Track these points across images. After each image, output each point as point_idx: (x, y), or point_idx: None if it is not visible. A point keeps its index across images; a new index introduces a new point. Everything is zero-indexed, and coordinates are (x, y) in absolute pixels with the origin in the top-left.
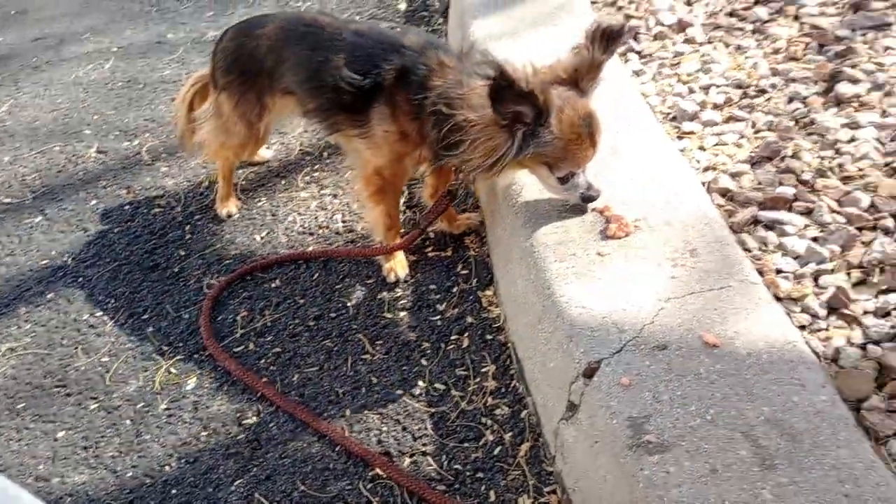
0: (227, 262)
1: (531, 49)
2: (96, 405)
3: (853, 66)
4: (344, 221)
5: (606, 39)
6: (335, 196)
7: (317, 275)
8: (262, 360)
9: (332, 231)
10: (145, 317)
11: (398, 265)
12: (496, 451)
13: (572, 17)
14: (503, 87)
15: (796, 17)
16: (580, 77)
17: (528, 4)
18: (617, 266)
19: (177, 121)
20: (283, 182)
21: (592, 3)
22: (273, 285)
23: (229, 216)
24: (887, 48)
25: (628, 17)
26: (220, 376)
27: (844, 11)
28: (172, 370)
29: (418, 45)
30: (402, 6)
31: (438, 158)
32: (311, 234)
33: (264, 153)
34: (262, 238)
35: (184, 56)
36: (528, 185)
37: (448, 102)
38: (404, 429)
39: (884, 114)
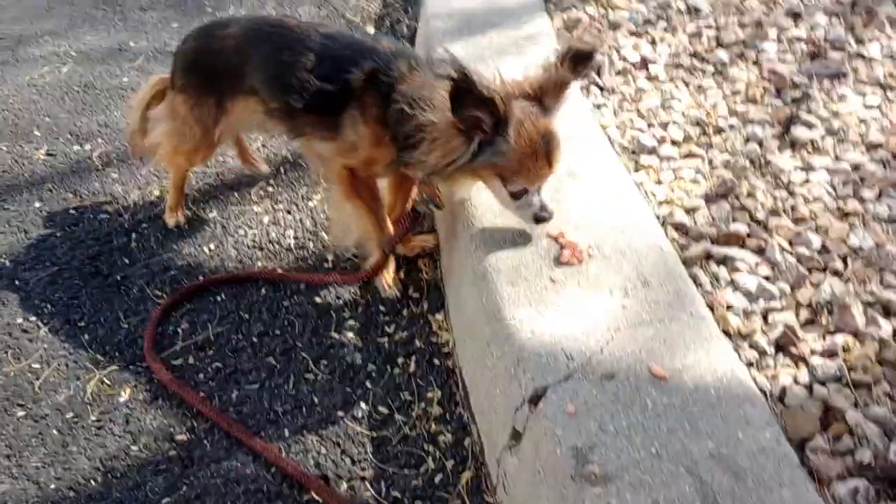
0: (173, 272)
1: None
2: (23, 413)
3: (809, 112)
4: (296, 238)
5: (576, 61)
6: (289, 212)
7: (264, 290)
8: (201, 375)
9: (283, 247)
10: (82, 324)
11: (387, 285)
12: (437, 480)
13: (538, 48)
14: (464, 90)
15: (756, 62)
16: (545, 94)
17: (494, 34)
18: (569, 293)
19: (130, 119)
20: (236, 195)
21: (558, 36)
22: (218, 298)
23: (178, 226)
24: (842, 96)
25: (595, 41)
26: (155, 389)
27: (802, 59)
28: (106, 380)
29: (390, 50)
30: (370, 29)
31: (397, 161)
32: (262, 248)
33: (262, 167)
34: (210, 250)
35: (144, 64)
36: (484, 208)
37: (411, 102)
38: (344, 452)
39: (836, 159)
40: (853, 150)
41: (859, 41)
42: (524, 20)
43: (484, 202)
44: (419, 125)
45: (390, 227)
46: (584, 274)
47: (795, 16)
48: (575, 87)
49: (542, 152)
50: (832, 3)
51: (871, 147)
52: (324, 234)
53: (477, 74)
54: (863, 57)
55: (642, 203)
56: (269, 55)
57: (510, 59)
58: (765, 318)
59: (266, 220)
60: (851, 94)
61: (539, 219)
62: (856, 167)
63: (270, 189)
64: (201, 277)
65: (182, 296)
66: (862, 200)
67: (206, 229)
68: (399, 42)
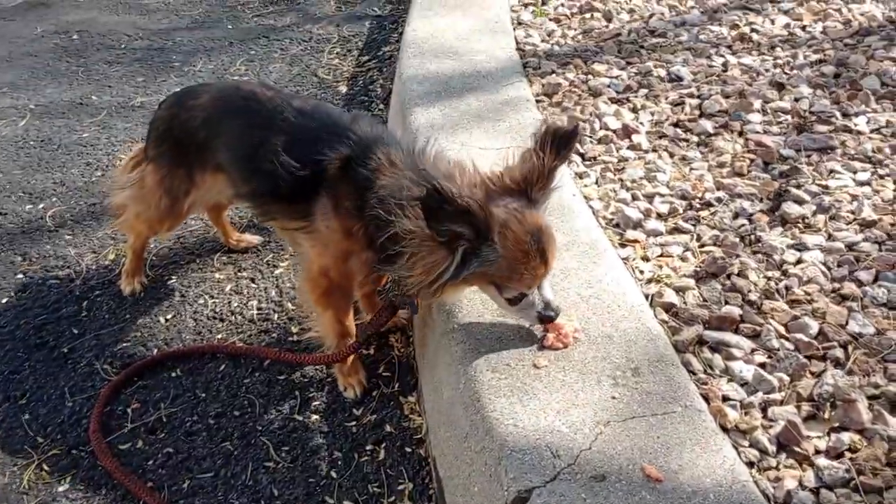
0: (125, 345)
1: (474, 142)
2: None
3: (798, 187)
4: (259, 309)
5: (558, 143)
6: (253, 280)
7: (223, 366)
8: (151, 462)
9: (245, 318)
10: (23, 402)
11: (356, 381)
12: None
13: (517, 114)
14: (436, 206)
15: (741, 133)
16: (530, 186)
17: (472, 98)
18: (554, 380)
19: (115, 182)
20: (197, 261)
21: (537, 101)
22: (172, 375)
23: (133, 294)
24: (832, 171)
25: (574, 118)
26: (99, 477)
27: (788, 131)
28: (45, 466)
29: (369, 135)
30: (343, 88)
31: (377, 269)
32: (223, 320)
33: (251, 238)
34: (167, 321)
35: (106, 120)
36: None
37: (387, 207)
38: None
39: (829, 237)
40: (846, 228)
41: (845, 114)
42: (502, 84)
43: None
44: (397, 234)
45: (354, 333)
46: (569, 359)
47: (779, 86)
48: (565, 161)
49: (534, 252)
50: (815, 75)
51: (865, 225)
52: (289, 304)
53: (451, 181)
54: (850, 130)
55: (629, 281)
56: (238, 132)
57: (488, 125)
58: (764, 411)
59: (228, 288)
60: (840, 168)
61: (545, 319)
62: (850, 246)
63: (234, 255)
64: (156, 350)
65: (134, 371)
66: (859, 283)
67: (164, 298)
68: (379, 123)
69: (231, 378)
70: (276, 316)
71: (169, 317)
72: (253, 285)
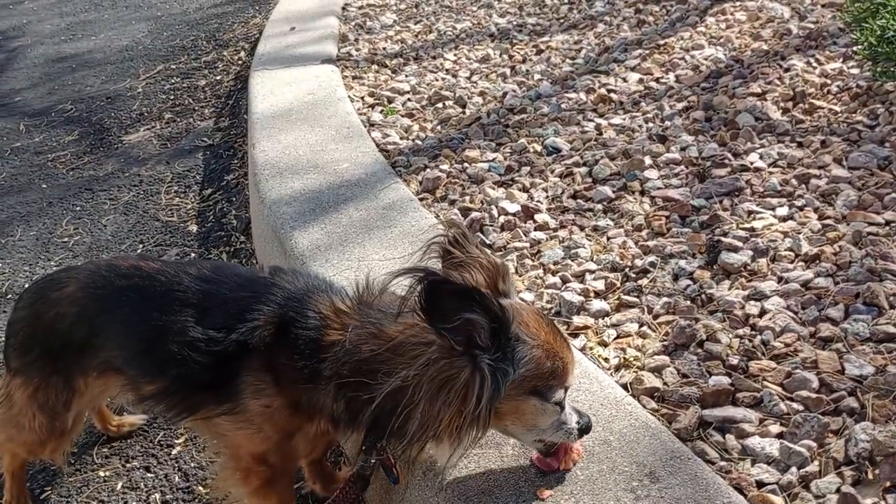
0: None
1: (370, 254)
2: None
3: (725, 235)
4: (165, 502)
5: (459, 244)
6: (147, 469)
7: None
8: None
9: None
10: None
11: None
12: None
13: (405, 216)
14: (436, 294)
15: (643, 192)
16: (496, 282)
17: (351, 209)
18: None
19: None
20: (72, 461)
21: (420, 199)
22: None
23: None
24: (751, 212)
25: (467, 209)
26: None
27: (690, 181)
28: None
29: (298, 286)
30: (193, 228)
31: (373, 442)
32: None
33: (134, 419)
34: None
35: None
36: None
37: (360, 368)
38: None
39: (780, 280)
40: (792, 268)
41: (736, 154)
42: (378, 189)
43: None
44: (389, 394)
45: None
46: (574, 482)
47: (661, 139)
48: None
49: (556, 334)
50: (689, 122)
51: (809, 260)
52: (201, 487)
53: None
54: (748, 169)
55: (600, 373)
56: (130, 321)
57: (380, 234)
58: (807, 487)
59: (120, 486)
60: (758, 207)
61: (584, 430)
62: (805, 285)
63: (116, 444)
64: None
65: None
66: (833, 322)
67: None
68: (305, 271)
69: None
70: None
71: None
72: (149, 475)
